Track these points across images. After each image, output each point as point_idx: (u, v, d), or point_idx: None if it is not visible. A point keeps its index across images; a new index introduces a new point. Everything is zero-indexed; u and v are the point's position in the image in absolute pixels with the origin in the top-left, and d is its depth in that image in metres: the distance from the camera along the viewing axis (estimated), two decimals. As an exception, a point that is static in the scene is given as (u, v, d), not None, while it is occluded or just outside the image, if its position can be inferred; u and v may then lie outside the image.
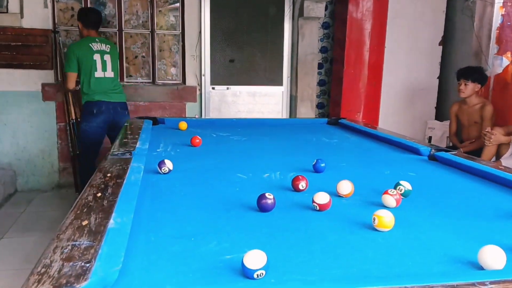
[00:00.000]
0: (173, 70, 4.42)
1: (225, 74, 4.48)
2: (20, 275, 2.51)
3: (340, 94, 4.29)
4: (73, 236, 0.94)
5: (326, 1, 4.30)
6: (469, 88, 3.49)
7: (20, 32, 3.88)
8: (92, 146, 3.54)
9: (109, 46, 3.56)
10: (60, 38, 4.01)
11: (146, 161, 1.69)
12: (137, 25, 4.28)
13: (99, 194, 1.22)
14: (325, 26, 4.55)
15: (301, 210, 1.27)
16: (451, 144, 3.91)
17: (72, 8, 4.06)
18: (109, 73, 3.52)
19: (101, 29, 4.11)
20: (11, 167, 4.11)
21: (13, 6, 3.87)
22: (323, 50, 4.59)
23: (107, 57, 3.50)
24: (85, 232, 0.96)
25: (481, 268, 0.90)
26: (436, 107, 4.54)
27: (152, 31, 4.30)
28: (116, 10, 4.19)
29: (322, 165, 1.71)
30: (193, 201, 1.35)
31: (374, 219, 1.10)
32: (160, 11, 4.30)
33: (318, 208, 1.24)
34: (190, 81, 4.36)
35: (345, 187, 1.39)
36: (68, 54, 3.46)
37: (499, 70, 3.73)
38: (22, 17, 3.89)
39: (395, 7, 4.23)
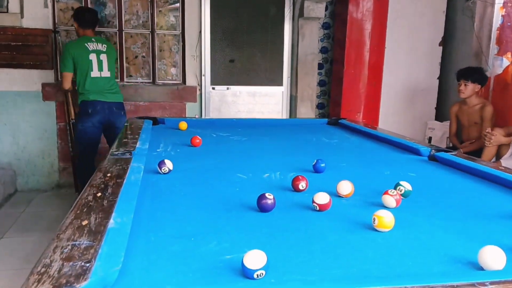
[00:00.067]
0: (173, 70, 4.42)
1: (225, 74, 4.47)
2: (20, 275, 2.51)
3: (340, 94, 4.29)
4: (73, 236, 0.94)
5: (326, 1, 4.30)
6: (469, 89, 3.49)
7: (20, 32, 3.88)
8: (89, 146, 3.54)
9: (106, 46, 3.54)
10: (60, 38, 4.01)
11: (146, 161, 1.69)
12: (137, 25, 4.29)
13: (99, 194, 1.22)
14: (325, 26, 4.55)
15: (301, 210, 1.27)
16: (451, 145, 3.91)
17: (72, 8, 4.05)
18: (106, 73, 3.51)
19: (101, 29, 4.12)
20: (11, 167, 4.11)
21: (13, 6, 3.87)
22: (323, 50, 4.60)
23: (103, 57, 3.48)
24: (85, 232, 0.96)
25: (481, 269, 0.90)
26: (436, 108, 4.54)
27: (152, 31, 4.30)
28: (116, 10, 4.19)
29: (322, 165, 1.71)
30: (193, 201, 1.35)
31: (374, 220, 1.10)
32: (160, 11, 4.30)
33: (318, 208, 1.24)
34: (190, 81, 4.36)
35: (345, 187, 1.39)
36: (64, 54, 3.46)
37: (499, 71, 3.73)
38: (22, 17, 3.89)
39: (395, 7, 4.23)
